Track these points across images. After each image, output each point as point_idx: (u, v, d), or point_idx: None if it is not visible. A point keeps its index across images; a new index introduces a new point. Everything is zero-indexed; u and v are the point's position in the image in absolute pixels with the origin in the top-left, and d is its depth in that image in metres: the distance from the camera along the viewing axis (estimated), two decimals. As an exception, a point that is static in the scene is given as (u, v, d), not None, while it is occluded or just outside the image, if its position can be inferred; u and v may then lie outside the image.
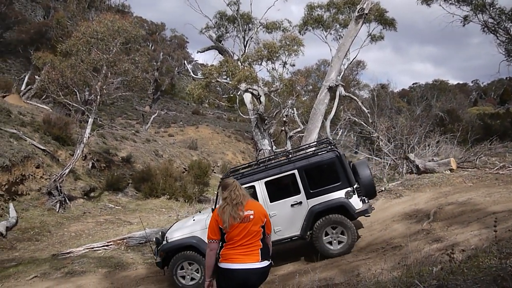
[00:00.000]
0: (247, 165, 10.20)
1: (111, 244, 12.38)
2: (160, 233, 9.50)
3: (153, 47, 70.13)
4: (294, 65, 20.17)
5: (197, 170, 26.04)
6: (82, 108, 21.68)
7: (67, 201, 18.59)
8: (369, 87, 39.95)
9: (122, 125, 36.84)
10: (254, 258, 4.53)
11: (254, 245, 4.56)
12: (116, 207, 20.70)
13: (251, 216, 4.55)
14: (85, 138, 19.23)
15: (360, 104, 18.78)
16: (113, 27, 19.60)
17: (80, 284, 9.45)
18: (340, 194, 8.39)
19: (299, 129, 22.01)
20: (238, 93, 20.45)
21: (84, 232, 16.14)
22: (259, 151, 19.03)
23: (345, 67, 23.47)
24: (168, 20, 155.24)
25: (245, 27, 21.47)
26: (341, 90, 16.20)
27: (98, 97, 19.82)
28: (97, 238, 14.70)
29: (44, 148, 20.37)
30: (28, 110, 25.83)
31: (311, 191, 8.43)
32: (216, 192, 9.13)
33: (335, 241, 8.51)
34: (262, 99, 18.91)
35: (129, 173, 25.00)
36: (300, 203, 8.47)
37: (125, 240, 12.54)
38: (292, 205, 8.50)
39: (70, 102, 21.84)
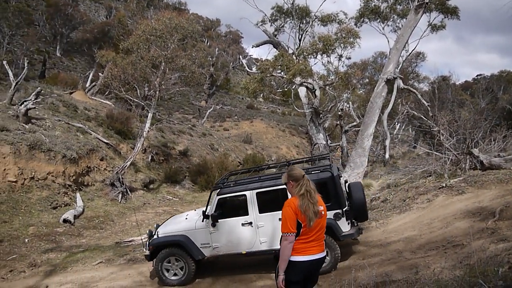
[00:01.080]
0: (246, 170, 10.05)
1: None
2: (155, 225, 9.69)
3: (208, 43, 71.42)
4: (350, 58, 19.85)
5: (251, 164, 26.33)
6: (142, 103, 22.53)
7: (128, 192, 19.46)
8: (429, 79, 38.23)
9: (179, 119, 37.91)
10: (320, 249, 4.78)
11: (322, 238, 4.81)
12: (173, 198, 21.40)
13: (323, 212, 4.75)
14: (145, 132, 20.00)
15: (419, 97, 18.14)
16: (170, 25, 20.19)
17: (141, 271, 9.90)
18: (328, 215, 8.16)
19: (354, 123, 21.67)
20: (293, 87, 20.40)
21: (144, 222, 16.83)
22: (314, 145, 18.93)
23: (404, 59, 22.72)
24: (223, 16, 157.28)
25: (301, 20, 21.33)
26: (399, 83, 15.72)
27: (157, 92, 20.53)
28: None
29: (108, 141, 21.45)
30: (92, 106, 27.27)
31: None
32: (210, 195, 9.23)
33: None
34: (317, 93, 18.75)
35: (186, 166, 25.74)
36: None
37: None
38: (280, 219, 8.43)
39: (131, 98, 22.77)
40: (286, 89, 24.34)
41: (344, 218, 8.15)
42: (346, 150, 20.85)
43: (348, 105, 26.64)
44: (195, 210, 10.31)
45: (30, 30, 45.12)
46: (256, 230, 8.36)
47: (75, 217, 15.60)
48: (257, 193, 8.37)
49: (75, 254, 12.28)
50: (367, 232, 10.44)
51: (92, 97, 30.69)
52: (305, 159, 10.74)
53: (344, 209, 8.16)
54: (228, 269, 9.42)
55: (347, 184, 8.98)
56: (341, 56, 18.46)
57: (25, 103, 18.58)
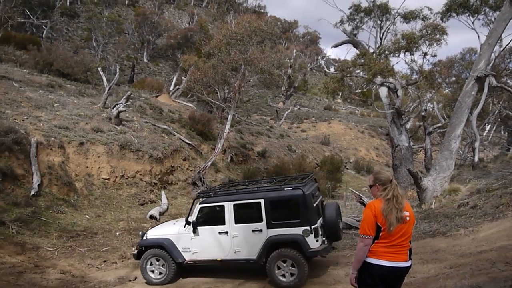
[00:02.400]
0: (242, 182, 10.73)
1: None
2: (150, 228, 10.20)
3: (286, 45, 71.74)
4: (435, 56, 18.74)
5: (329, 166, 25.97)
6: (222, 105, 23.19)
7: (209, 191, 20.07)
8: (525, 76, 35.09)
9: (257, 121, 38.46)
10: (403, 257, 4.57)
11: (405, 245, 4.60)
12: (252, 199, 21.72)
13: (407, 218, 4.57)
14: (225, 133, 20.56)
15: (515, 95, 16.71)
16: (250, 28, 20.56)
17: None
18: (297, 230, 8.35)
19: (439, 124, 20.48)
20: (373, 87, 19.81)
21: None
22: (396, 147, 18.22)
23: (496, 55, 21.01)
24: (300, 17, 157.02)
25: (381, 18, 20.65)
26: (491, 81, 14.60)
27: (237, 94, 21.02)
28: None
29: (190, 142, 22.37)
30: (176, 108, 28.60)
31: (272, 222, 8.52)
32: (193, 204, 9.65)
33: (286, 273, 8.47)
34: (399, 92, 18.04)
35: (263, 167, 26.03)
36: (261, 230, 8.62)
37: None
38: (253, 231, 8.69)
39: (212, 100, 23.55)
40: (365, 89, 23.70)
41: (313, 235, 8.30)
42: (430, 153, 19.77)
43: (432, 105, 25.28)
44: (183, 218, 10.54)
45: (121, 38, 48.49)
46: (231, 240, 8.84)
47: (160, 213, 16.43)
48: (234, 205, 8.83)
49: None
50: (455, 239, 9.84)
51: (176, 100, 32.17)
52: (289, 177, 11.03)
53: (312, 226, 8.32)
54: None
55: (324, 203, 9.28)
56: (425, 53, 17.55)
57: (116, 106, 19.98)
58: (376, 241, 4.52)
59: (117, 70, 25.45)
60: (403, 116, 18.51)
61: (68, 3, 56.08)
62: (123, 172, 17.40)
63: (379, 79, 17.83)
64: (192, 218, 9.14)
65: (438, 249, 9.16)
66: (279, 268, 8.50)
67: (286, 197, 8.58)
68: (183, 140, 22.07)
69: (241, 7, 52.35)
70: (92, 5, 59.01)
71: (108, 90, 22.20)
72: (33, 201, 13.73)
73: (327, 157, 29.21)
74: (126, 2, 71.28)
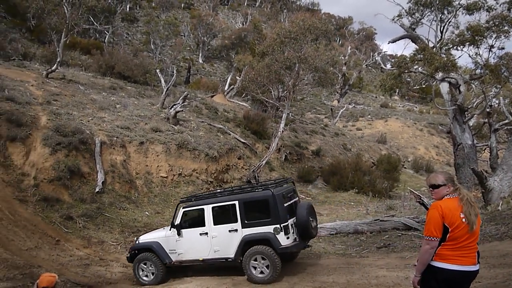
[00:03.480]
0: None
1: (303, 233, 13.00)
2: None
3: (340, 42, 70.62)
4: (503, 48, 17.57)
5: (386, 165, 25.25)
6: (277, 104, 23.22)
7: (264, 190, 20.16)
8: None
9: (312, 119, 38.17)
10: (471, 261, 4.34)
11: (474, 248, 4.37)
12: (306, 198, 21.58)
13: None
14: (279, 132, 20.59)
15: None
16: (304, 26, 20.45)
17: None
18: (269, 229, 9.00)
19: (506, 121, 19.31)
20: (433, 83, 18.99)
21: (278, 220, 17.31)
22: (458, 145, 17.38)
23: None
24: (355, 13, 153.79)
25: (442, 10, 19.72)
26: None
27: (291, 93, 20.98)
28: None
29: (245, 141, 22.60)
30: (231, 108, 29.01)
31: (246, 222, 9.20)
32: (177, 206, 10.40)
33: (261, 269, 9.06)
34: (462, 88, 17.18)
35: (318, 166, 25.79)
36: (236, 230, 9.30)
37: (316, 230, 13.01)
38: (229, 231, 9.38)
39: (266, 99, 23.64)
40: (424, 86, 22.80)
41: (283, 232, 8.92)
42: (496, 151, 18.61)
43: (498, 101, 23.85)
44: None
45: (177, 41, 49.87)
46: (211, 240, 9.53)
47: (216, 211, 16.72)
48: (212, 207, 9.56)
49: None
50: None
51: (231, 100, 32.63)
52: (279, 180, 11.45)
53: (282, 225, 8.92)
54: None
55: (297, 204, 9.81)
56: (492, 46, 16.56)
57: (174, 106, 20.60)
58: (442, 243, 4.30)
59: (174, 71, 26.16)
60: (466, 112, 17.61)
61: (128, 9, 58.47)
62: (181, 170, 17.89)
63: (440, 74, 17.07)
64: (177, 221, 9.86)
65: (506, 253, 8.64)
66: (254, 262, 9.11)
67: (258, 198, 9.31)
68: (238, 139, 22.34)
69: (295, 5, 52.11)
70: (150, 9, 61.15)
71: (166, 91, 22.93)
72: (98, 198, 14.47)
73: (383, 156, 28.42)
74: (182, 5, 73.19)
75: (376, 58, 64.37)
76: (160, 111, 21.64)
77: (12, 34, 33.19)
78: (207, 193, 11.73)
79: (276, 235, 8.92)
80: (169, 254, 9.98)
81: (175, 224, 9.85)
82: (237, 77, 35.71)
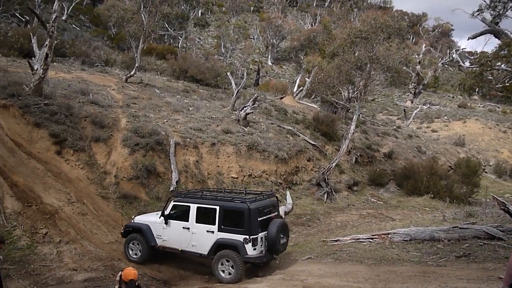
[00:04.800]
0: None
1: (375, 238, 12.65)
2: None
3: (414, 39, 67.74)
4: None
5: (464, 169, 23.80)
6: (347, 106, 22.80)
7: (333, 192, 19.92)
8: None
9: (383, 121, 36.94)
10: None
11: None
12: (378, 202, 20.99)
13: None
14: (349, 134, 20.19)
15: None
16: (375, 25, 19.87)
17: (348, 271, 10.02)
18: (239, 237, 9.96)
19: None
20: (520, 81, 17.60)
21: (348, 223, 17.01)
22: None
23: None
24: (429, 9, 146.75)
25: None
26: None
27: (362, 94, 20.49)
28: (361, 230, 15.24)
29: (314, 143, 22.43)
30: (300, 109, 28.93)
31: (222, 227, 10.26)
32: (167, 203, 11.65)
33: (226, 271, 10.12)
34: (553, 86, 15.76)
35: (390, 169, 24.93)
36: (213, 232, 10.37)
37: (389, 236, 12.60)
38: (207, 231, 10.45)
39: (336, 100, 23.29)
40: (508, 84, 21.23)
41: (251, 243, 9.88)
42: None
43: None
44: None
45: (247, 43, 50.68)
46: (191, 235, 10.66)
47: (285, 213, 16.78)
48: (197, 207, 10.67)
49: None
50: None
51: (300, 101, 32.56)
52: (261, 192, 12.04)
53: (252, 237, 9.90)
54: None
55: (272, 220, 10.57)
56: None
57: (244, 108, 20.95)
58: None
59: (244, 74, 26.62)
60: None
61: (199, 14, 60.44)
62: (251, 171, 18.14)
63: (527, 71, 15.81)
64: (166, 212, 11.05)
65: None
66: (222, 264, 10.18)
67: (235, 208, 10.23)
68: (307, 141, 22.23)
69: (365, 4, 50.80)
70: (221, 14, 62.77)
71: (236, 93, 23.39)
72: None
73: (462, 159, 26.82)
74: (252, 9, 74.34)
75: (454, 56, 60.91)
76: (230, 113, 22.12)
77: (95, 42, 35.66)
78: (200, 190, 12.96)
79: (245, 245, 9.93)
80: (155, 238, 11.18)
81: (165, 214, 11.07)
82: (306, 79, 35.55)
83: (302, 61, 40.33)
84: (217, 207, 10.39)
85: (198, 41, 54.35)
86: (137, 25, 23.88)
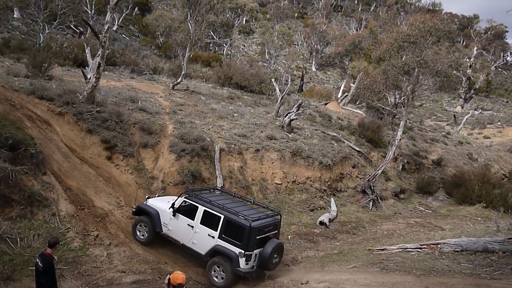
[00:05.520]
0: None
1: (424, 247, 12.25)
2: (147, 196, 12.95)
3: (464, 42, 65.36)
4: None
5: (519, 177, 22.64)
6: (393, 111, 22.28)
7: (379, 200, 19.49)
8: None
9: (432, 127, 35.77)
10: None
11: None
12: (426, 210, 20.34)
13: None
14: (396, 140, 19.70)
15: None
16: (424, 28, 19.37)
17: (396, 281, 9.75)
18: (236, 250, 10.52)
19: None
20: None
21: (395, 232, 16.58)
22: None
23: None
24: (481, 11, 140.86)
25: None
26: None
27: (409, 99, 19.97)
28: (409, 239, 14.81)
29: (359, 149, 22.06)
30: (345, 115, 28.56)
31: (223, 235, 10.80)
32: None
33: (218, 276, 10.74)
34: None
35: (439, 177, 24.10)
36: (213, 237, 10.93)
37: (439, 246, 12.16)
38: (208, 235, 11.02)
39: (382, 106, 22.81)
40: None
41: (244, 258, 10.42)
42: None
43: None
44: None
45: (291, 50, 50.69)
46: (193, 233, 11.26)
47: (330, 220, 16.58)
48: (204, 210, 11.21)
49: (331, 256, 13.07)
50: None
51: (344, 107, 32.14)
52: (267, 207, 12.34)
53: (247, 252, 10.42)
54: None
55: (271, 239, 11.10)
56: None
57: (288, 114, 20.95)
58: None
59: (288, 80, 26.62)
60: None
61: (244, 22, 61.15)
62: (294, 178, 18.08)
63: None
64: (176, 205, 11.64)
65: None
66: (214, 270, 10.80)
67: (238, 223, 10.65)
68: (352, 147, 21.89)
69: (413, 7, 49.59)
70: (265, 21, 63.17)
71: (281, 99, 23.43)
72: (217, 202, 15.29)
73: (518, 167, 25.50)
74: (296, 15, 74.42)
75: (508, 59, 58.17)
76: (275, 119, 22.17)
77: (144, 51, 36.92)
78: (212, 188, 13.65)
79: (239, 258, 10.47)
80: (162, 225, 11.80)
81: (174, 207, 11.66)
82: (351, 84, 35.09)
83: (347, 66, 39.92)
84: (222, 216, 10.90)
85: (242, 48, 55.00)
86: (184, 34, 24.50)
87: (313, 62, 57.01)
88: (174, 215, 11.62)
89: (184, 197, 11.69)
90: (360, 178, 20.50)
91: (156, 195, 13.50)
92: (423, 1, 73.75)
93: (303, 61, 57.32)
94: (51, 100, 15.18)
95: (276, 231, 11.57)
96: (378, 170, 19.65)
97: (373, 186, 19.38)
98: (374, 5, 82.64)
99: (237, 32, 54.70)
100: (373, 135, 23.81)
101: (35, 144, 12.13)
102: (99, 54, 15.78)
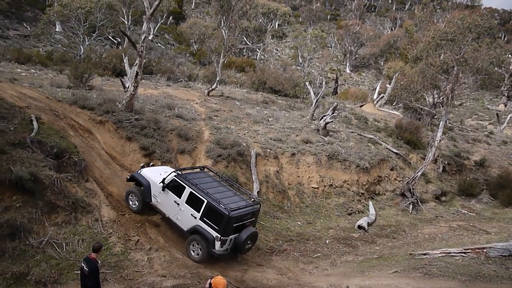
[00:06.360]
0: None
1: (469, 252, 11.82)
2: (142, 164, 13.69)
3: (506, 38, 62.94)
4: None
5: None
6: (432, 111, 21.68)
7: (419, 203, 18.99)
8: None
9: (473, 126, 34.57)
10: None
11: None
12: (469, 213, 19.64)
13: None
14: (436, 142, 19.16)
15: None
16: (463, 25, 18.78)
17: (440, 287, 9.45)
18: (213, 233, 11.41)
19: None
20: None
21: (437, 236, 16.10)
22: None
23: None
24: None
25: None
26: None
27: (449, 98, 19.39)
28: (452, 243, 14.35)
29: (397, 151, 21.58)
30: (381, 117, 28.05)
31: (204, 218, 11.67)
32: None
33: (195, 252, 11.69)
34: None
35: (483, 178, 23.19)
36: (195, 218, 11.78)
37: (484, 250, 11.70)
38: (191, 214, 11.86)
39: (420, 106, 22.25)
40: None
41: (219, 242, 11.35)
42: None
43: None
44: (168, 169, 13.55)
45: (324, 52, 50.41)
46: (178, 210, 12.08)
47: (368, 224, 16.30)
48: (190, 191, 11.95)
49: (371, 260, 12.82)
50: None
51: (381, 109, 31.56)
52: (245, 191, 13.56)
53: (222, 237, 11.32)
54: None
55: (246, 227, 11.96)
56: None
57: (323, 117, 20.79)
58: None
59: (323, 83, 26.40)
60: None
61: (276, 26, 61.25)
62: (331, 181, 17.90)
63: None
64: (166, 181, 12.29)
65: None
66: (193, 245, 11.72)
67: (218, 210, 11.44)
68: (390, 150, 21.46)
69: (450, 4, 48.16)
70: (298, 24, 63.07)
71: (315, 103, 23.28)
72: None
73: None
74: (328, 17, 73.89)
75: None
76: (310, 122, 22.05)
77: (179, 59, 37.62)
78: (202, 167, 13.96)
79: (215, 241, 11.37)
80: (151, 196, 12.50)
81: (164, 182, 12.30)
82: (387, 85, 34.44)
83: (382, 67, 39.23)
84: (205, 201, 11.68)
85: (275, 53, 55.07)
86: (217, 41, 24.80)
87: (347, 64, 56.36)
88: (163, 190, 12.31)
89: (174, 176, 12.32)
90: (399, 181, 20.05)
91: (151, 164, 14.29)
92: (460, -3, 71.56)
93: (337, 63, 56.75)
94: (92, 109, 15.73)
95: (253, 219, 12.43)
96: (417, 172, 19.17)
97: (413, 189, 18.92)
98: (409, 3, 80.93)
99: (270, 37, 54.84)
100: (412, 137, 23.24)
101: (78, 152, 12.64)
102: (136, 63, 16.19)
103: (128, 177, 13.14)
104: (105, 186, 12.76)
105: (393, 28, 65.37)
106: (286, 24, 64.48)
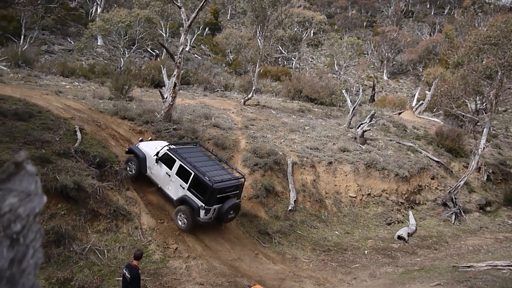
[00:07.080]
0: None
1: (517, 265, 11.27)
2: (140, 139, 14.50)
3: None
4: None
5: None
6: (475, 118, 20.95)
7: (462, 213, 18.35)
8: None
9: (519, 133, 33.14)
10: None
11: None
12: (517, 224, 18.77)
13: None
14: (479, 149, 18.49)
15: None
16: (507, 28, 18.12)
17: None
18: (198, 203, 12.15)
19: None
20: None
21: (482, 248, 15.47)
22: None
23: None
24: None
25: None
26: None
27: (493, 105, 18.70)
28: (499, 256, 13.74)
29: (438, 160, 20.95)
30: (421, 124, 27.35)
31: (191, 189, 12.43)
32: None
33: (182, 220, 12.40)
34: None
35: (531, 188, 22.15)
36: (184, 188, 12.56)
37: (534, 263, 11.12)
38: (180, 185, 12.67)
39: (462, 113, 21.55)
40: None
41: (204, 211, 12.09)
42: None
43: None
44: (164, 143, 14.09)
45: (361, 59, 49.74)
46: (169, 181, 12.89)
47: (409, 234, 15.87)
48: (180, 164, 12.75)
49: (411, 272, 12.45)
50: None
51: (420, 116, 30.79)
52: (232, 166, 14.30)
53: (206, 206, 12.08)
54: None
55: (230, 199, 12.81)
56: None
57: (361, 126, 20.49)
58: None
59: (360, 90, 26.06)
60: None
61: (312, 34, 61.12)
62: (369, 190, 17.57)
63: None
64: (160, 154, 13.09)
65: None
66: (180, 215, 12.46)
67: (203, 182, 12.23)
68: (430, 158, 20.87)
69: (492, 7, 46.62)
70: (333, 32, 62.68)
71: (352, 110, 23.00)
72: (290, 215, 15.26)
73: None
74: (364, 24, 73.05)
75: None
76: (347, 130, 21.79)
77: (215, 69, 38.16)
78: (193, 143, 14.87)
79: (200, 210, 12.11)
80: (147, 168, 13.28)
81: (157, 155, 13.09)
82: (426, 92, 33.56)
83: (421, 73, 38.28)
84: (193, 173, 12.45)
85: (311, 61, 54.92)
86: (253, 50, 25.02)
87: (385, 71, 55.43)
88: (156, 162, 13.10)
89: (166, 150, 13.12)
90: (440, 190, 19.44)
91: (149, 139, 15.01)
92: (503, 0, 69.07)
93: (374, 70, 55.93)
94: (132, 120, 16.18)
95: (238, 191, 13.22)
96: (460, 181, 18.53)
97: (455, 198, 18.30)
98: (448, 7, 78.90)
99: (306, 45, 54.69)
100: (453, 144, 22.51)
101: (119, 161, 13.10)
102: (174, 74, 16.56)
103: (127, 149, 14.03)
104: (144, 194, 13.07)
105: (431, 34, 63.87)
106: (321, 32, 64.16)
